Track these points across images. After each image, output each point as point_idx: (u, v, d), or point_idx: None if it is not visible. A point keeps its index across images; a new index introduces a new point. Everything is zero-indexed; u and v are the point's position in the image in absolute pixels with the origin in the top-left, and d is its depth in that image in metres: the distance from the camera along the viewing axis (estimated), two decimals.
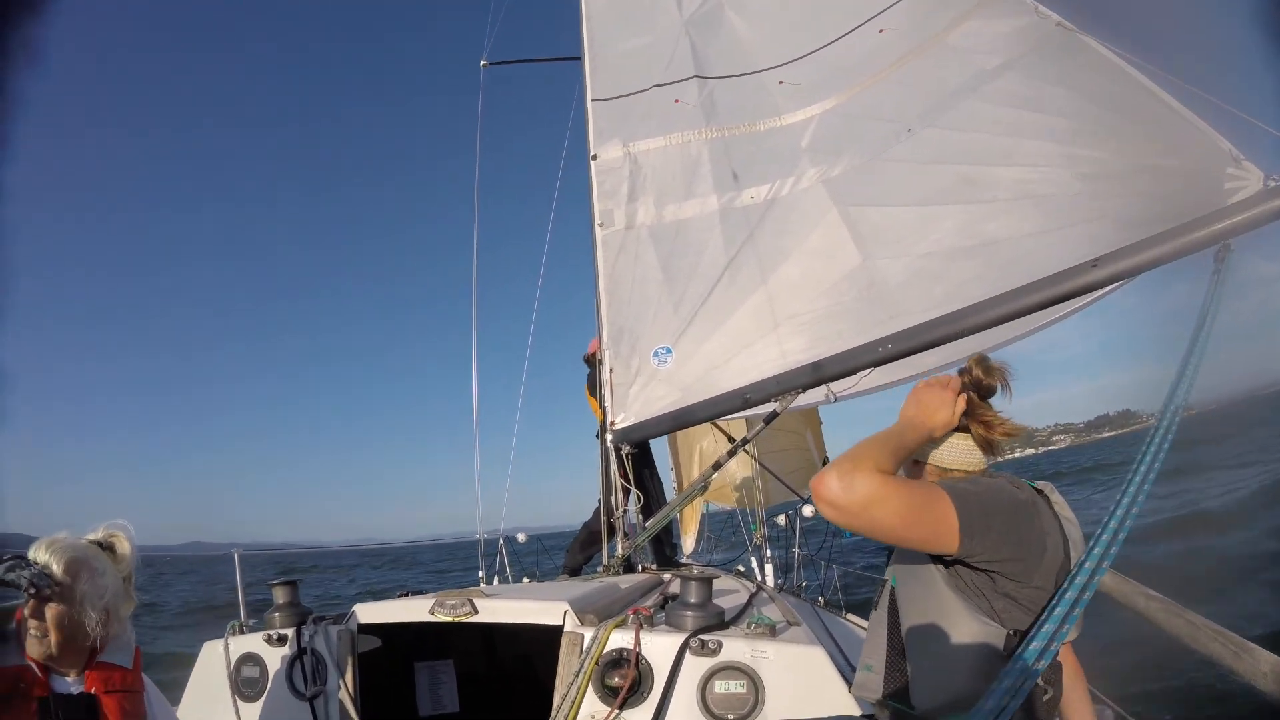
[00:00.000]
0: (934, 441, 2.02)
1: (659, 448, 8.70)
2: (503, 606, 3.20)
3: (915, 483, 1.91)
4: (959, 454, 2.02)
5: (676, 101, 5.47)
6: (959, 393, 1.99)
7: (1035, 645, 1.72)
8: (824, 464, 9.61)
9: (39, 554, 2.17)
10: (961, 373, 2.06)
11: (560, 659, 2.89)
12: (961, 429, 2.01)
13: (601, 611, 3.11)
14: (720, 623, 2.89)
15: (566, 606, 3.01)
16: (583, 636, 2.88)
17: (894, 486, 1.74)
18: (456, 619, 3.17)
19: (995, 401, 2.06)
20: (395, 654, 3.67)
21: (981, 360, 2.04)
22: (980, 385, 2.01)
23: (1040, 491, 1.99)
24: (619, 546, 5.13)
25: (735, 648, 2.68)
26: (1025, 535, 1.82)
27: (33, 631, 2.13)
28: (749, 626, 2.80)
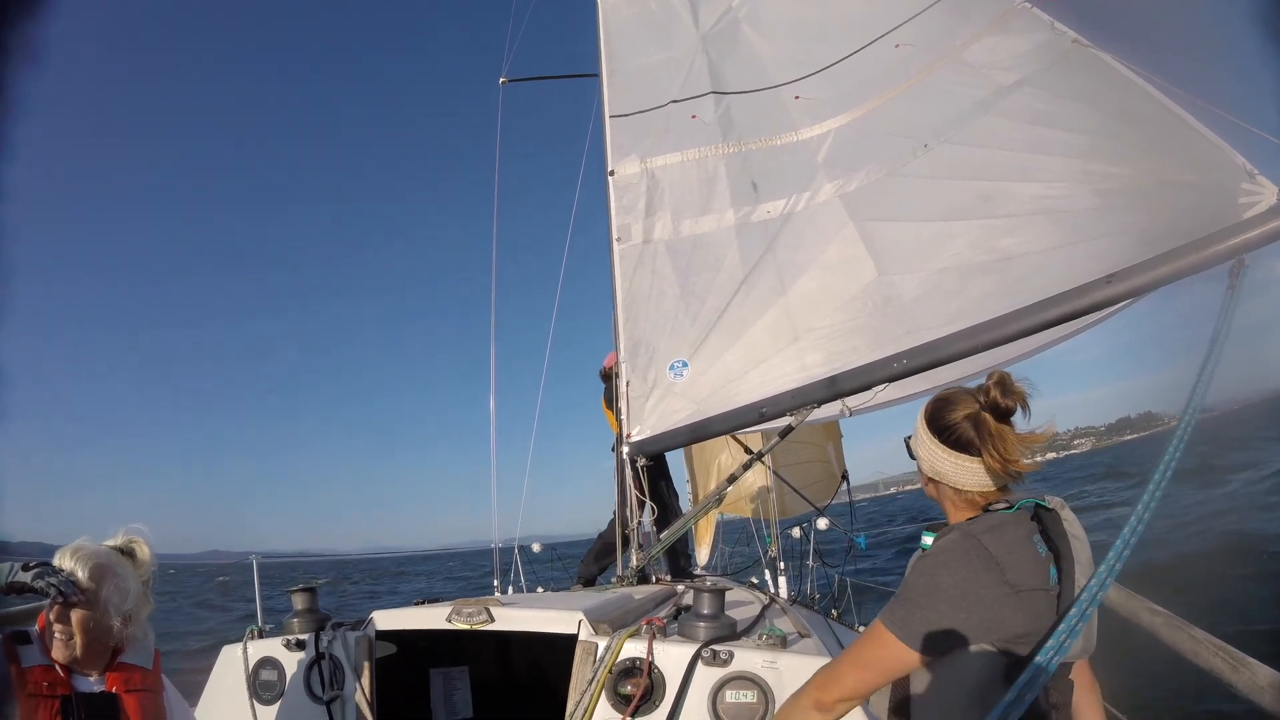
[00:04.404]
0: (948, 463, 1.99)
1: (675, 461, 8.71)
2: (519, 615, 3.24)
3: (857, 653, 1.96)
4: (972, 477, 1.97)
5: (694, 117, 5.52)
6: None
7: (1038, 661, 1.72)
8: (843, 476, 9.60)
9: (64, 561, 2.26)
10: (979, 390, 2.00)
11: (574, 667, 2.91)
12: (977, 452, 1.95)
13: (616, 621, 3.14)
14: (732, 634, 2.91)
15: (582, 616, 3.04)
16: (597, 645, 2.91)
17: (838, 691, 1.92)
18: (474, 627, 3.20)
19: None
20: (410, 660, 3.72)
21: (1001, 380, 1.96)
22: (998, 407, 1.94)
23: (1051, 509, 1.97)
24: (633, 558, 5.15)
25: (747, 658, 2.70)
26: (988, 602, 1.78)
27: (58, 635, 2.21)
28: (760, 638, 2.82)
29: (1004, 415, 1.95)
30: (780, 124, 5.23)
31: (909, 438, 2.14)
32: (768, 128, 5.27)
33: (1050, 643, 1.73)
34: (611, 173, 5.49)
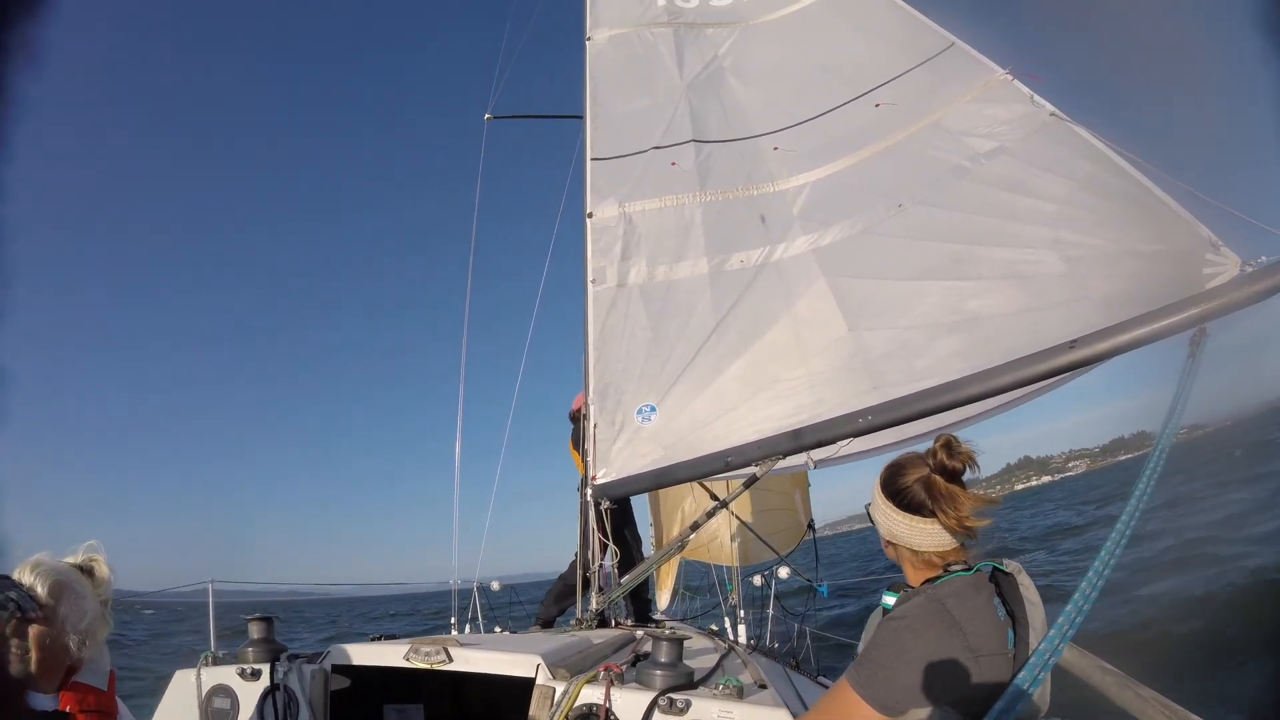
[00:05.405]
0: (903, 526, 2.05)
1: (639, 504, 8.69)
2: (477, 656, 3.23)
3: (824, 710, 2.03)
4: (928, 538, 2.03)
5: (673, 164, 5.56)
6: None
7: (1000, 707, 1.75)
8: (809, 525, 9.62)
9: (24, 575, 2.22)
10: (927, 454, 2.07)
11: (531, 711, 2.91)
12: (930, 513, 2.01)
13: (574, 666, 3.14)
14: (689, 682, 2.91)
15: (540, 660, 3.04)
16: (554, 690, 2.91)
17: None
18: (432, 666, 3.19)
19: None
20: (365, 695, 3.69)
21: (947, 443, 2.04)
22: (945, 469, 2.01)
23: (1009, 573, 2.01)
24: (594, 601, 5.12)
25: (703, 708, 2.68)
26: (950, 667, 1.83)
27: (13, 650, 2.15)
28: (718, 688, 2.81)
29: (953, 476, 2.01)
30: (758, 174, 5.30)
31: (868, 505, 2.21)
32: (745, 177, 5.33)
33: (1000, 704, 1.76)
34: (590, 215, 5.50)
